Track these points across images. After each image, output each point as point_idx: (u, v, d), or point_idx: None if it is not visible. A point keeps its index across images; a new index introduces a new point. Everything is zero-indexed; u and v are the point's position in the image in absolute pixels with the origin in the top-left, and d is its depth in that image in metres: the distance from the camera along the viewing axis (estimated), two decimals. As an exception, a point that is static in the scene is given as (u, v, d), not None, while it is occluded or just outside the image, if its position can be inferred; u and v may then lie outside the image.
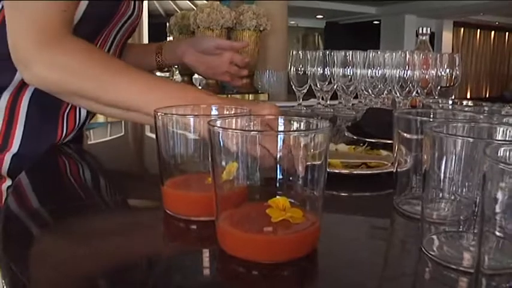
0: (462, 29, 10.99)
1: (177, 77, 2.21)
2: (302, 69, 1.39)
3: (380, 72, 1.28)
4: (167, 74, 2.27)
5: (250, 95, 1.95)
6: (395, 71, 1.25)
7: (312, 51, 1.39)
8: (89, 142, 1.04)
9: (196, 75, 2.05)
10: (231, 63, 1.20)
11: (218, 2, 1.88)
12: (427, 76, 1.27)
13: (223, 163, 0.42)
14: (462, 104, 0.80)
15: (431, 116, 0.57)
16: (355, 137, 0.94)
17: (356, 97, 1.43)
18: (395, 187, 0.56)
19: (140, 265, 0.42)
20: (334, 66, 1.34)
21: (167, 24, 2.14)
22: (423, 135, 0.44)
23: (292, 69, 1.41)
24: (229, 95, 1.91)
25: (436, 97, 1.30)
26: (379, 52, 1.29)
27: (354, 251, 0.46)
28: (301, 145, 0.42)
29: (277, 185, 0.42)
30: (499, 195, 0.30)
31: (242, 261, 0.41)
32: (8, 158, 0.82)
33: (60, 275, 0.40)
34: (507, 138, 0.44)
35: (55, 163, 0.82)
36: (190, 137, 0.51)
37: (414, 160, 0.53)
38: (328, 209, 0.45)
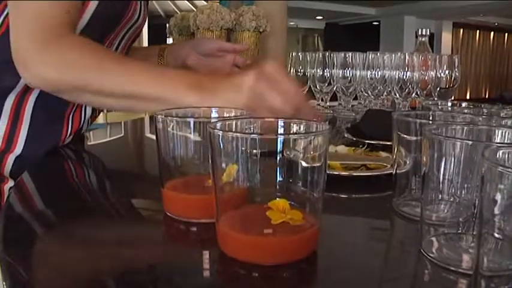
0: (461, 30, 11.00)
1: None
2: (302, 70, 1.39)
3: (379, 73, 1.29)
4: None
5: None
6: (394, 73, 1.26)
7: (312, 52, 1.39)
8: (89, 143, 1.04)
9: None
10: (233, 65, 1.21)
11: (218, 3, 1.88)
12: (426, 77, 1.27)
13: (224, 165, 0.42)
14: (461, 105, 0.80)
15: (430, 118, 0.57)
16: (354, 139, 0.94)
17: (355, 98, 1.43)
18: (394, 189, 0.57)
19: (140, 267, 0.42)
20: (333, 68, 1.34)
21: (167, 25, 2.14)
22: (422, 138, 0.44)
23: (291, 70, 1.41)
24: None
25: (436, 98, 1.31)
26: (378, 53, 1.30)
27: (354, 252, 0.46)
28: (301, 147, 0.42)
29: (277, 187, 0.43)
30: (498, 197, 0.30)
31: (242, 263, 0.41)
32: (11, 159, 0.82)
33: (61, 275, 0.40)
34: (505, 141, 0.44)
35: (56, 164, 0.82)
36: (190, 138, 0.52)
37: (413, 162, 0.54)
38: (327, 210, 0.45)
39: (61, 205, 0.59)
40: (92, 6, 0.78)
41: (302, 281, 0.40)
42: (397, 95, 1.27)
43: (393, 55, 1.26)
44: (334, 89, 1.38)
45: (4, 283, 0.38)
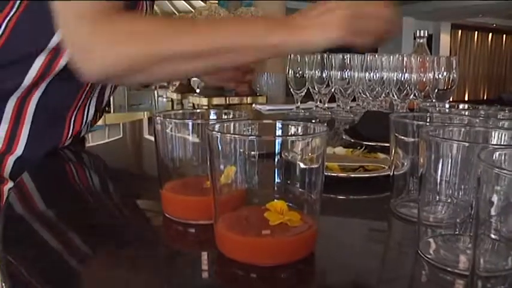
0: (460, 31, 11.01)
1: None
2: (300, 72, 1.39)
3: (378, 75, 1.29)
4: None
5: (249, 98, 1.96)
6: (392, 74, 1.26)
7: (310, 54, 1.39)
8: (88, 145, 1.04)
9: (194, 78, 2.06)
10: (236, 69, 1.21)
11: (216, 4, 1.88)
12: (424, 79, 1.28)
13: (222, 167, 0.43)
14: (459, 107, 0.80)
15: (428, 119, 0.58)
16: (352, 140, 0.94)
17: (354, 100, 1.43)
18: (392, 190, 0.57)
19: (139, 268, 0.42)
20: (332, 69, 1.34)
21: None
22: (419, 139, 0.44)
23: (290, 72, 1.41)
24: (228, 97, 1.91)
25: (434, 100, 1.31)
26: (376, 55, 1.30)
27: (351, 253, 0.46)
28: (299, 149, 0.42)
29: (275, 188, 0.43)
30: (494, 199, 0.30)
31: (241, 264, 0.41)
32: (11, 160, 0.82)
33: (60, 275, 0.40)
34: (502, 142, 0.44)
35: (55, 165, 0.82)
36: (189, 140, 0.52)
37: (411, 163, 0.54)
38: (325, 212, 0.45)
39: (60, 206, 0.59)
40: None
41: (300, 282, 0.40)
42: (395, 96, 1.27)
43: (391, 57, 1.26)
44: (333, 90, 1.38)
45: (3, 284, 0.39)
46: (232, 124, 0.47)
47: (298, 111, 1.42)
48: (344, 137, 0.99)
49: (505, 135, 0.45)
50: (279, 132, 0.47)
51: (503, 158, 0.33)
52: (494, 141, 0.45)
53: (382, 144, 0.83)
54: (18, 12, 0.75)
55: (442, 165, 0.42)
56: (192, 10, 2.61)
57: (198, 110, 0.59)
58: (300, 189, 0.43)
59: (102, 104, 0.96)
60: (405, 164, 0.55)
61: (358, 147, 0.83)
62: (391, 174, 0.57)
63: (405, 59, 1.25)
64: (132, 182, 0.74)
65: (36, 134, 0.83)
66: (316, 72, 1.36)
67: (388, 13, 0.71)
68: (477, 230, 0.32)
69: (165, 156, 0.52)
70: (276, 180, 0.43)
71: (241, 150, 0.42)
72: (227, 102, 1.93)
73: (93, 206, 0.61)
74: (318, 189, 0.43)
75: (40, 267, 0.42)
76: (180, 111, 0.56)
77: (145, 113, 2.57)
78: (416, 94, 1.27)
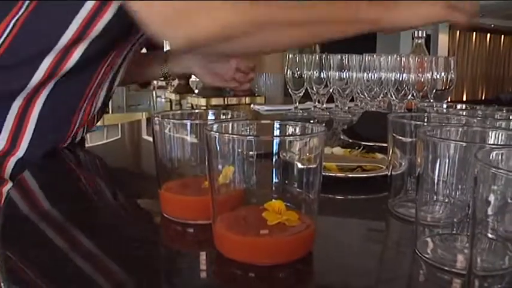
0: (458, 32, 11.01)
1: (175, 81, 2.22)
2: (298, 72, 1.40)
3: (376, 75, 1.29)
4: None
5: (247, 98, 1.96)
6: (391, 74, 1.26)
7: (308, 54, 1.39)
8: (86, 145, 1.04)
9: (193, 78, 2.06)
10: (236, 70, 1.22)
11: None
12: (422, 79, 1.28)
13: (220, 167, 0.43)
14: (456, 107, 0.80)
15: (426, 119, 0.58)
16: (350, 140, 0.95)
17: (352, 100, 1.43)
18: (390, 190, 0.57)
19: (138, 268, 0.42)
20: (330, 70, 1.34)
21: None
22: (417, 139, 0.44)
23: (288, 72, 1.41)
24: (226, 97, 1.91)
25: (432, 100, 1.31)
26: (374, 56, 1.30)
27: (349, 253, 0.46)
28: (297, 149, 0.42)
29: (273, 188, 0.43)
30: (491, 198, 0.30)
31: (239, 264, 0.41)
32: (12, 161, 0.82)
33: (59, 276, 0.40)
34: (499, 142, 0.45)
35: (54, 165, 0.82)
36: (187, 140, 0.52)
37: (409, 163, 0.54)
38: (323, 212, 0.45)
39: (58, 206, 0.59)
40: (108, 15, 0.77)
41: (298, 281, 0.40)
42: (394, 96, 1.27)
43: (389, 57, 1.26)
44: (331, 91, 1.38)
45: (3, 284, 0.39)
46: (230, 124, 0.48)
47: (297, 112, 1.42)
48: (342, 137, 0.99)
49: (502, 135, 0.45)
50: (277, 132, 0.47)
51: (500, 157, 0.34)
52: (491, 141, 0.45)
53: (380, 144, 0.83)
54: (26, 12, 0.75)
55: (440, 165, 0.42)
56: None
57: (196, 111, 0.59)
58: (298, 189, 0.43)
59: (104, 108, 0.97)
60: (403, 164, 0.55)
61: (356, 148, 0.83)
62: (389, 174, 0.57)
63: (403, 59, 1.25)
64: (130, 182, 0.74)
65: (39, 136, 0.82)
66: (315, 72, 1.37)
67: None
68: (474, 229, 0.32)
69: (164, 156, 0.53)
70: (274, 180, 0.43)
71: (239, 150, 0.42)
72: (225, 102, 1.93)
73: (91, 206, 0.61)
74: (315, 189, 0.43)
75: (39, 267, 0.42)
76: (179, 112, 0.57)
77: (144, 113, 2.57)
78: (414, 94, 1.28)
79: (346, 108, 1.41)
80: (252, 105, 1.73)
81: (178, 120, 0.54)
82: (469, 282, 0.33)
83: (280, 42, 0.76)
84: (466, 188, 0.42)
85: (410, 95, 1.28)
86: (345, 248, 0.48)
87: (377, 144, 0.85)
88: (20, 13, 0.75)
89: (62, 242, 0.49)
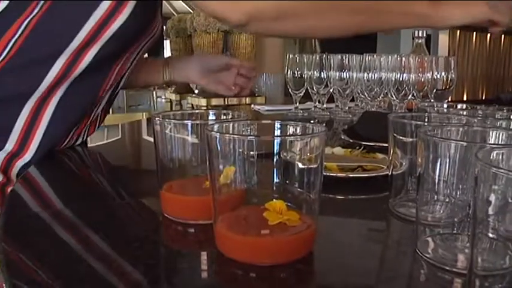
0: (458, 32, 11.02)
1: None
2: (299, 72, 1.40)
3: (376, 75, 1.29)
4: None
5: (247, 98, 1.96)
6: (391, 74, 1.26)
7: (309, 54, 1.39)
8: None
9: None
10: (238, 75, 1.22)
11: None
12: (422, 79, 1.28)
13: (221, 167, 0.43)
14: (457, 107, 0.80)
15: (426, 119, 0.58)
16: (351, 140, 0.95)
17: (352, 100, 1.43)
18: (390, 190, 0.57)
19: (138, 268, 0.43)
20: (330, 70, 1.34)
21: (164, 27, 2.15)
22: (417, 139, 0.44)
23: (288, 72, 1.41)
24: (227, 98, 1.92)
25: (432, 100, 1.31)
26: (375, 56, 1.30)
27: (350, 253, 0.47)
28: (298, 149, 0.42)
29: (274, 188, 0.43)
30: (491, 198, 0.30)
31: (240, 264, 0.41)
32: (19, 164, 0.81)
33: (59, 276, 0.40)
34: (500, 142, 0.45)
35: (55, 165, 0.82)
36: (188, 141, 0.52)
37: (409, 163, 0.54)
38: (324, 211, 0.46)
39: (59, 205, 0.59)
40: (118, 21, 0.77)
41: (299, 281, 0.40)
42: (394, 96, 1.27)
43: (390, 57, 1.26)
44: (331, 91, 1.38)
45: (4, 284, 0.39)
46: (231, 124, 0.48)
47: (297, 112, 1.42)
48: (343, 137, 1.00)
49: (502, 134, 0.45)
50: (277, 132, 0.47)
51: (500, 157, 0.34)
52: (492, 141, 0.45)
53: (381, 144, 0.83)
54: (40, 12, 0.74)
55: (440, 164, 0.42)
56: (191, 11, 2.62)
57: (196, 111, 0.59)
58: (299, 189, 0.43)
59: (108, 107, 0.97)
60: (403, 163, 0.55)
61: (357, 147, 0.83)
62: (390, 174, 0.57)
63: (403, 59, 1.25)
64: (131, 183, 0.74)
65: (48, 140, 0.81)
66: (315, 72, 1.37)
67: None
68: (475, 229, 0.32)
69: (164, 156, 0.53)
70: (275, 180, 0.43)
71: (240, 150, 0.42)
72: (226, 102, 1.93)
73: (92, 206, 0.61)
74: (316, 189, 0.43)
75: (39, 266, 0.42)
76: (179, 112, 0.57)
77: (144, 113, 2.58)
78: (415, 94, 1.28)
79: (347, 108, 1.41)
80: (252, 106, 1.74)
81: (179, 121, 0.54)
82: (470, 282, 0.33)
83: (333, 28, 0.78)
84: (467, 188, 0.42)
85: (410, 95, 1.28)
86: (346, 247, 0.48)
87: (377, 144, 0.85)
88: (34, 13, 0.74)
89: (62, 242, 0.49)
